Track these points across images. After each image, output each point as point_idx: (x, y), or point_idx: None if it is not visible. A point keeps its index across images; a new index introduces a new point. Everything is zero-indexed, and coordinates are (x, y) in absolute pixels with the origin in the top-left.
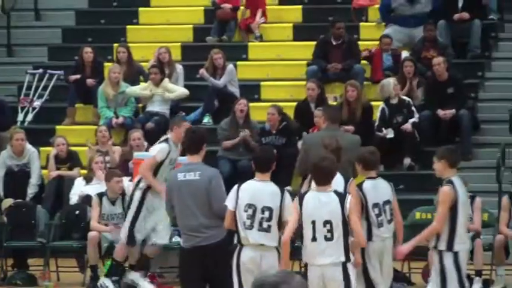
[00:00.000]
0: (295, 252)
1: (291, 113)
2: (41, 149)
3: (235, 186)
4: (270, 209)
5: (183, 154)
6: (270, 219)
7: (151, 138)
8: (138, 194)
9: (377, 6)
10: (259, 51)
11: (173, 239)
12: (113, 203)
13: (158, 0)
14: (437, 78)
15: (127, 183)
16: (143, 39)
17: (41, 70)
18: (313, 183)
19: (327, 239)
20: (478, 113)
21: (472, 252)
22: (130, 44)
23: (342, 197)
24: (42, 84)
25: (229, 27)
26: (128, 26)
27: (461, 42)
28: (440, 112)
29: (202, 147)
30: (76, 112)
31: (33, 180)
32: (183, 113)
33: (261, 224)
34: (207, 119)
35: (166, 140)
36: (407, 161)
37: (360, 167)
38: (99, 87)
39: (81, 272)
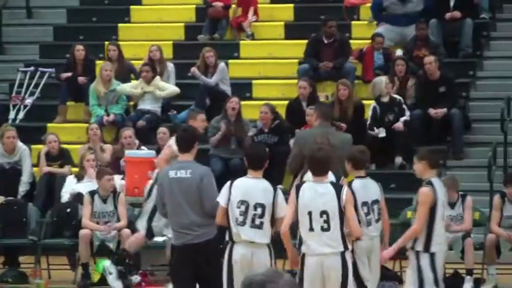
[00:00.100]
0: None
1: (282, 112)
2: (33, 146)
3: (228, 183)
4: (263, 206)
5: None
6: (262, 216)
7: (143, 136)
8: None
9: (369, 4)
10: (250, 49)
11: (164, 237)
12: (105, 201)
13: None
14: (429, 77)
15: (118, 181)
16: (135, 37)
17: (32, 68)
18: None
19: (323, 229)
20: (469, 112)
21: (463, 251)
22: (122, 42)
23: (338, 188)
24: (34, 82)
25: (221, 26)
26: (120, 24)
27: (453, 41)
28: (432, 111)
29: (194, 145)
30: (67, 110)
31: (25, 178)
32: (175, 111)
33: (253, 220)
34: None
35: None
36: (398, 159)
37: (350, 165)
38: (90, 85)
39: (72, 270)
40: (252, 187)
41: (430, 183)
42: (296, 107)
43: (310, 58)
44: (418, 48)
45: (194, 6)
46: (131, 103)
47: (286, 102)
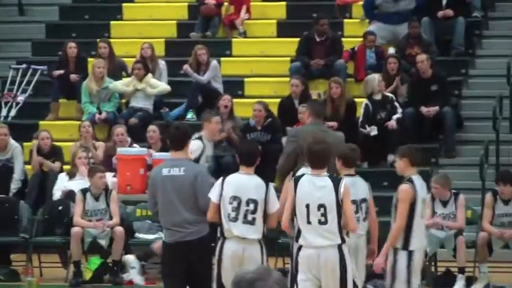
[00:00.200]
0: (279, 249)
1: (274, 110)
2: (25, 144)
3: (220, 179)
4: (255, 202)
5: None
6: (254, 211)
7: (135, 133)
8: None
9: (361, 3)
10: (243, 47)
11: (157, 235)
12: (97, 198)
13: None
14: (421, 76)
15: (110, 179)
16: (127, 34)
17: (24, 65)
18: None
19: (321, 222)
20: (461, 110)
21: (455, 249)
22: (114, 40)
23: (336, 181)
24: (26, 79)
25: (213, 23)
26: (112, 22)
27: (445, 40)
28: (424, 109)
29: (187, 143)
30: (59, 107)
31: (17, 176)
32: (167, 109)
33: (245, 216)
34: (190, 115)
35: (200, 138)
36: (391, 157)
37: (340, 163)
38: (83, 83)
39: (64, 268)
40: (244, 183)
41: (410, 181)
42: (288, 105)
43: (302, 56)
44: (410, 47)
45: (186, 3)
46: (123, 100)
47: (279, 100)
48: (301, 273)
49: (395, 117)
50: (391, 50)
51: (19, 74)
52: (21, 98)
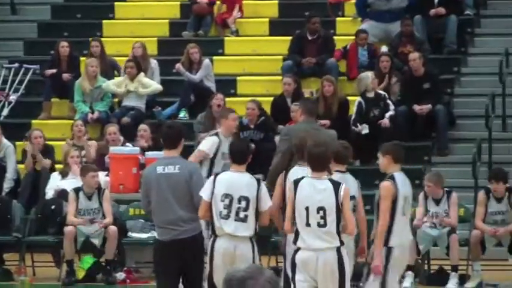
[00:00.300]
0: (271, 247)
1: (267, 108)
2: (17, 143)
3: (211, 177)
4: (247, 199)
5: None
6: (246, 209)
7: (127, 132)
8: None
9: (353, 1)
10: (235, 46)
11: (150, 234)
12: (90, 198)
13: None
14: (414, 74)
15: (103, 178)
16: (119, 33)
17: (16, 64)
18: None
19: (320, 225)
20: (454, 108)
21: (448, 247)
22: (106, 39)
23: (336, 184)
24: (18, 78)
25: (206, 22)
26: (104, 21)
27: (437, 38)
28: (416, 107)
29: (180, 142)
30: (52, 106)
31: (9, 175)
32: (159, 108)
33: (237, 213)
34: (183, 114)
35: (216, 134)
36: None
37: (332, 160)
38: (75, 81)
39: (57, 267)
40: (235, 181)
41: (391, 178)
42: (281, 104)
43: (293, 54)
44: (403, 45)
45: (179, 2)
46: (116, 100)
47: (271, 98)
48: (299, 273)
49: (387, 114)
50: (384, 48)
51: (11, 73)
52: (13, 97)
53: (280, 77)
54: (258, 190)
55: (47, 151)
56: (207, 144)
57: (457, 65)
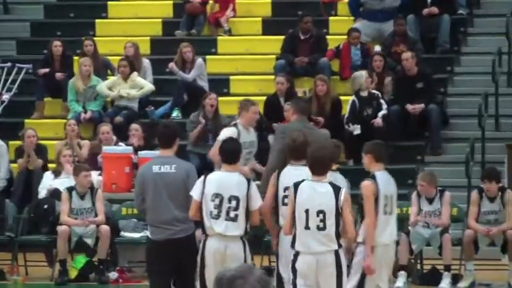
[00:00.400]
0: (264, 247)
1: (260, 108)
2: (10, 142)
3: (202, 177)
4: (237, 198)
5: (150, 148)
6: (237, 208)
7: (120, 132)
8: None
9: (346, 0)
10: (228, 45)
11: (142, 233)
12: (82, 197)
13: None
14: (407, 73)
15: (96, 177)
16: (112, 33)
17: (9, 64)
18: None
19: (319, 228)
20: (447, 107)
21: (441, 247)
22: (99, 38)
23: (336, 188)
24: (11, 77)
25: (198, 21)
26: (97, 20)
27: (430, 37)
28: (409, 107)
29: (175, 141)
30: (45, 106)
31: (2, 174)
32: (152, 107)
33: (228, 213)
34: (176, 113)
35: (235, 125)
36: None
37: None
38: (69, 81)
39: (50, 267)
40: (226, 180)
41: (372, 177)
42: (274, 103)
43: (286, 54)
44: (396, 44)
45: (172, 2)
46: (108, 99)
47: (264, 98)
48: (300, 278)
49: (380, 114)
50: (377, 48)
51: (4, 73)
52: (6, 97)
53: (273, 77)
54: (248, 189)
55: (40, 151)
56: (224, 135)
57: (450, 65)
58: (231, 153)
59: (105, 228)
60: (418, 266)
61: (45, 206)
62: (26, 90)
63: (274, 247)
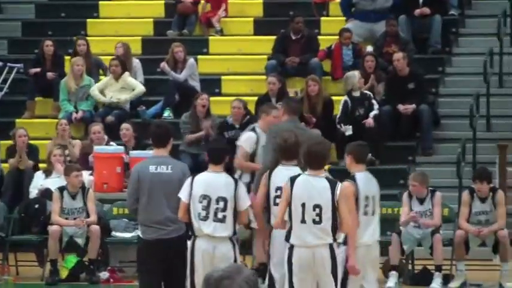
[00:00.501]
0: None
1: (251, 108)
2: (1, 142)
3: (189, 179)
4: (225, 199)
5: (141, 148)
6: (224, 209)
7: (112, 131)
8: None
9: (338, 0)
10: (220, 45)
11: (133, 233)
12: (74, 197)
13: None
14: (398, 74)
15: (87, 177)
16: (103, 32)
17: (0, 63)
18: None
19: (315, 222)
20: (438, 108)
21: (432, 247)
22: (90, 38)
23: (333, 183)
24: (2, 77)
25: (190, 21)
26: (88, 20)
27: (422, 38)
28: (401, 107)
29: (169, 141)
30: (36, 105)
31: None
32: (144, 107)
33: (216, 214)
34: (167, 113)
35: (253, 129)
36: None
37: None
38: (61, 80)
39: (41, 266)
40: (213, 181)
41: (352, 178)
42: (265, 103)
43: (277, 54)
44: (388, 45)
45: (163, 1)
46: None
47: (255, 98)
48: (296, 273)
49: (372, 114)
50: (369, 48)
51: None
52: None
53: (264, 77)
54: (236, 189)
55: (31, 151)
56: (243, 139)
57: (442, 65)
58: (216, 153)
59: (95, 228)
60: (410, 266)
61: (36, 206)
62: (17, 90)
63: (266, 247)
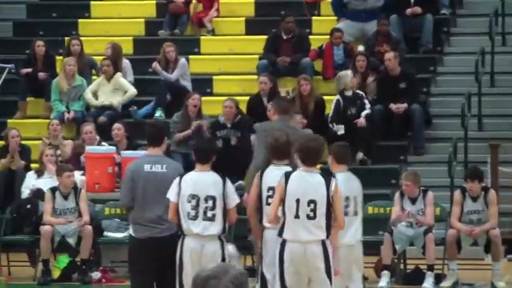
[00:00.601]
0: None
1: (243, 107)
2: None
3: (177, 179)
4: (213, 198)
5: (133, 148)
6: (213, 208)
7: (104, 132)
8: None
9: (329, 0)
10: (211, 45)
11: (125, 233)
12: (66, 197)
13: None
14: (390, 73)
15: (79, 177)
16: (95, 32)
17: None
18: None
19: (309, 217)
20: (430, 107)
21: (424, 246)
22: (82, 38)
23: (328, 179)
24: None
25: (182, 21)
26: (80, 20)
27: (413, 37)
28: (393, 106)
29: (164, 140)
30: (27, 106)
31: None
32: (135, 107)
33: (205, 213)
34: (159, 113)
35: None
36: (359, 155)
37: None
38: (53, 81)
39: (33, 267)
40: (201, 180)
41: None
42: (257, 103)
43: (269, 54)
44: (379, 44)
45: (154, 1)
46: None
47: (247, 98)
48: (287, 266)
49: (363, 113)
50: (360, 48)
51: None
52: None
53: (256, 76)
54: (224, 188)
55: (23, 151)
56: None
57: (433, 65)
58: (203, 152)
59: (88, 228)
60: (402, 266)
61: (28, 206)
62: (9, 90)
63: (258, 248)
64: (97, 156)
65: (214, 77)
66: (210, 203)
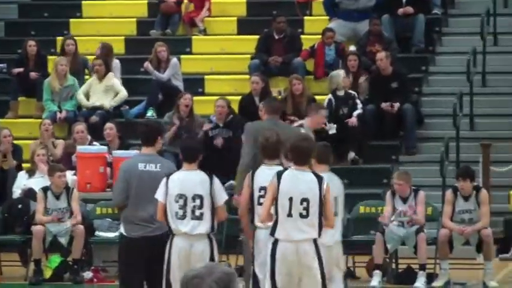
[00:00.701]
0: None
1: (235, 107)
2: None
3: (164, 179)
4: (201, 197)
5: (125, 147)
6: (201, 206)
7: (95, 131)
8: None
9: (321, 0)
10: (203, 44)
11: (116, 233)
12: (58, 197)
13: None
14: (381, 73)
15: (70, 176)
16: (86, 32)
17: None
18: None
19: (302, 216)
20: (422, 107)
21: (415, 246)
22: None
23: (319, 177)
24: None
25: (173, 21)
26: (71, 19)
27: (405, 37)
28: (384, 104)
29: (157, 139)
30: (19, 105)
31: None
32: (127, 107)
33: (193, 212)
34: (150, 113)
35: (301, 125)
36: (351, 155)
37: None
38: (44, 80)
39: (24, 266)
40: (188, 180)
41: None
42: (249, 103)
43: (260, 53)
44: (371, 44)
45: (146, 1)
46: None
47: (239, 97)
48: (278, 266)
49: (355, 113)
50: (352, 48)
51: None
52: None
53: (248, 76)
54: (211, 186)
55: (15, 151)
56: None
57: (425, 64)
58: (190, 151)
59: (80, 228)
60: (393, 265)
61: (20, 206)
62: (0, 90)
63: (250, 248)
64: (88, 156)
65: (206, 77)
66: (198, 201)
